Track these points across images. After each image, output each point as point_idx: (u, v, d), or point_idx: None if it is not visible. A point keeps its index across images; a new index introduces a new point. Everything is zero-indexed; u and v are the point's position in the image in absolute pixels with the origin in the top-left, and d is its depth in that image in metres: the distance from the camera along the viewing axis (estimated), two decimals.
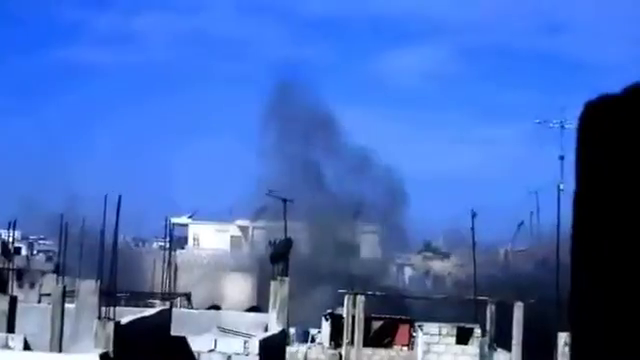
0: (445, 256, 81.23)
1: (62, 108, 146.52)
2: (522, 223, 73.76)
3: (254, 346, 21.47)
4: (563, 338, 25.13)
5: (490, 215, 59.02)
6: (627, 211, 2.47)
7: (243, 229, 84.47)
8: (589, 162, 2.57)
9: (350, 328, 34.64)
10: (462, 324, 33.16)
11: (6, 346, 24.08)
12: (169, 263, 31.09)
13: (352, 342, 34.48)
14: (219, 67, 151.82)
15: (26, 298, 40.19)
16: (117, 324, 18.03)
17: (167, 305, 25.61)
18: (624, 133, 2.51)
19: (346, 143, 78.30)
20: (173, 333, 22.59)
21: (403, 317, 40.15)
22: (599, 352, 2.52)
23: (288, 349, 30.95)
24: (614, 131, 2.52)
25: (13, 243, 45.90)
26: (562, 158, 75.47)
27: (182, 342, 21.49)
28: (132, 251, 59.10)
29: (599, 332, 2.52)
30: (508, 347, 32.15)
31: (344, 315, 35.68)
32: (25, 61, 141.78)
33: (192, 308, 40.01)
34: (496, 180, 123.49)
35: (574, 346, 2.62)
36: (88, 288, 20.86)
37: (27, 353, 21.45)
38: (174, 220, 56.92)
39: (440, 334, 32.47)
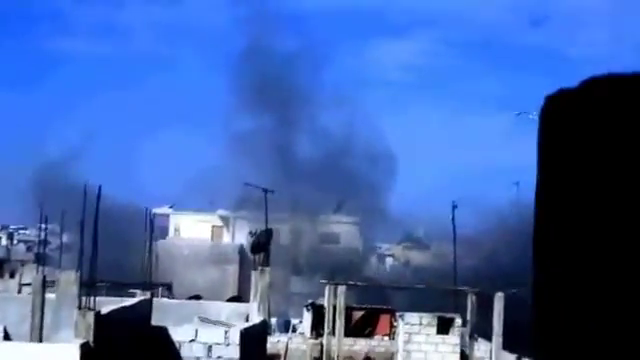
0: (426, 247, 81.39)
1: (41, 97, 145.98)
2: (503, 214, 73.97)
3: (235, 336, 21.47)
4: None
5: (472, 206, 59.19)
6: (586, 203, 2.52)
7: (224, 219, 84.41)
8: (549, 155, 2.63)
9: (331, 318, 34.67)
10: (443, 314, 33.24)
11: None
12: (150, 253, 31.04)
13: (333, 332, 34.52)
14: (200, 57, 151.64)
15: (6, 288, 40.10)
16: (97, 314, 17.99)
17: (148, 295, 25.57)
18: (581, 125, 2.58)
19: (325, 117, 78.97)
20: (154, 323, 22.56)
21: (384, 307, 40.24)
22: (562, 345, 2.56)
23: (269, 339, 30.97)
24: (572, 124, 2.59)
25: None
26: None
27: (163, 332, 21.47)
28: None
29: (562, 325, 2.56)
30: (489, 337, 32.26)
31: (325, 305, 35.71)
32: (5, 50, 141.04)
33: (173, 298, 39.96)
34: (478, 171, 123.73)
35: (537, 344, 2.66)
36: (68, 278, 20.79)
37: (7, 343, 21.39)
38: (155, 210, 56.81)
39: (421, 324, 32.54)
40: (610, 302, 2.47)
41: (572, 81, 2.67)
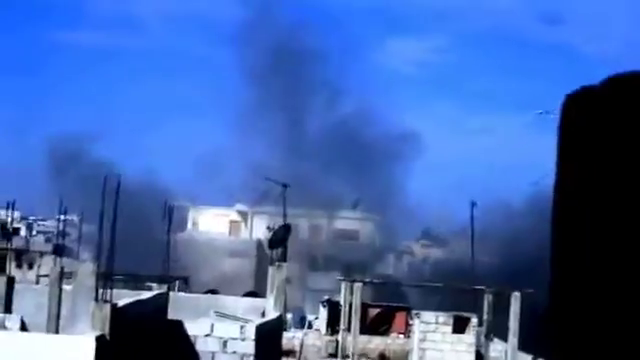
0: (444, 243, 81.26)
1: (61, 89, 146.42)
2: (521, 211, 73.70)
3: (251, 331, 21.45)
4: None
5: (491, 204, 59.01)
6: (605, 198, 2.49)
7: (242, 214, 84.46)
8: (569, 152, 2.59)
9: (347, 315, 34.64)
10: (459, 313, 33.16)
11: (3, 326, 24.09)
12: (167, 246, 31.05)
13: (349, 329, 34.48)
14: (217, 51, 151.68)
15: (24, 279, 40.26)
16: (114, 307, 18.00)
17: (164, 288, 25.58)
18: (601, 123, 2.54)
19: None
20: (170, 317, 22.57)
21: (400, 305, 40.17)
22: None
23: (285, 334, 30.95)
24: (592, 121, 2.56)
25: (12, 224, 45.94)
26: None
27: (179, 326, 21.47)
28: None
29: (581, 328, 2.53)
30: (505, 337, 32.17)
31: (341, 302, 35.67)
32: (20, 41, 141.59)
33: (189, 292, 39.98)
34: (497, 169, 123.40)
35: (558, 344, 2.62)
36: (85, 270, 20.83)
37: (23, 334, 21.45)
38: (173, 203, 56.79)
39: (437, 322, 32.47)
40: (632, 297, 2.43)
41: (589, 78, 2.63)
